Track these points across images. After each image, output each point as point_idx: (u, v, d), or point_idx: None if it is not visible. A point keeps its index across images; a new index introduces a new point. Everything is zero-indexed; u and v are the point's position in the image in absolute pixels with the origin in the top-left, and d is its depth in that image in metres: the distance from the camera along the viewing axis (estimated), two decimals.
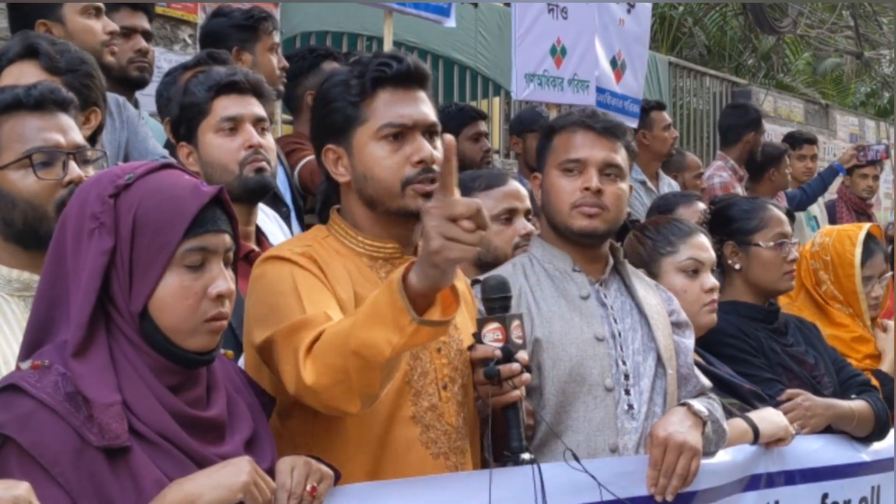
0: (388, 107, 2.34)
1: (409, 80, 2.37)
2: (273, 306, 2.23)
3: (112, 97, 3.71)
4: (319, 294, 2.24)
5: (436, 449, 2.33)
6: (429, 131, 2.37)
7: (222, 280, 1.98)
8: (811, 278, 3.99)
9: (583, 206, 2.73)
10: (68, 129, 2.41)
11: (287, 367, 2.13)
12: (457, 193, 1.97)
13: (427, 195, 2.31)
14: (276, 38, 4.39)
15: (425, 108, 2.38)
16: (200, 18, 5.96)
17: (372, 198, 2.36)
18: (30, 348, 1.98)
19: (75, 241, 1.96)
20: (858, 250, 3.92)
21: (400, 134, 2.33)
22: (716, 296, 3.24)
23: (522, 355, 2.34)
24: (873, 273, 3.94)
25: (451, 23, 5.57)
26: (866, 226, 4.05)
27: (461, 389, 2.41)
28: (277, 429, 2.26)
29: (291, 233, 3.52)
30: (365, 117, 2.34)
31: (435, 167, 2.32)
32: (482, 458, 2.46)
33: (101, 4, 3.81)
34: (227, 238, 2.01)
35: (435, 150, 2.36)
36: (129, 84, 4.15)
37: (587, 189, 2.73)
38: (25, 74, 2.93)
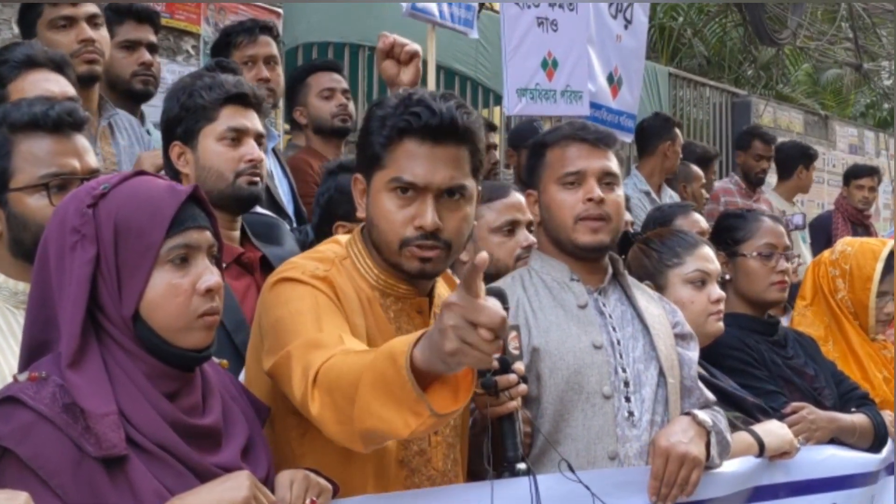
0: (407, 159, 2.21)
1: (440, 134, 2.21)
2: (289, 327, 2.15)
3: (126, 118, 3.81)
4: (334, 318, 2.17)
5: None
6: (448, 192, 2.24)
7: (209, 275, 1.99)
8: (829, 285, 3.96)
9: (587, 218, 2.73)
10: (83, 153, 2.43)
11: (298, 386, 2.05)
12: (482, 295, 1.77)
13: (424, 259, 2.23)
14: (254, 50, 4.36)
15: (448, 168, 2.21)
16: (204, 30, 5.96)
17: (376, 244, 2.30)
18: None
19: (58, 259, 1.97)
20: (880, 266, 3.88)
21: (409, 190, 2.22)
22: (722, 306, 3.25)
23: (519, 366, 2.34)
24: (889, 289, 3.91)
25: (474, 34, 5.55)
26: (890, 242, 4.01)
27: (452, 431, 2.38)
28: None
29: None
30: (385, 163, 2.24)
31: (441, 235, 2.22)
32: (472, 469, 2.45)
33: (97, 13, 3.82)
34: (208, 234, 2.02)
35: (455, 211, 2.24)
36: (133, 97, 4.16)
37: (590, 200, 2.73)
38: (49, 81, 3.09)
